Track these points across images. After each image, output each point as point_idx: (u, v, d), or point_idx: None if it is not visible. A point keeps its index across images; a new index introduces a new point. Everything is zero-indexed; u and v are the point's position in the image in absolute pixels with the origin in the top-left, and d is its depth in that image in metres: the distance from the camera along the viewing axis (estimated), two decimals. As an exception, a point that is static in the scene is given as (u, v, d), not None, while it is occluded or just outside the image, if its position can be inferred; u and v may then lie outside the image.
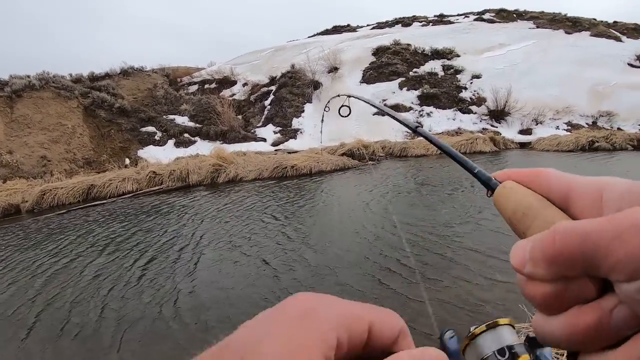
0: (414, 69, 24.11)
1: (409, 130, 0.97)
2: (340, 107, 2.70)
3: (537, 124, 18.58)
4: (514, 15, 33.03)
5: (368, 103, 1.70)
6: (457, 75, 23.20)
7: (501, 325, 0.42)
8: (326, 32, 39.62)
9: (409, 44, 26.44)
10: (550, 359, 0.40)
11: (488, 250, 5.03)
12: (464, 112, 20.23)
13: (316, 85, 23.67)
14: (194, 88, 26.28)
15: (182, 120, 21.19)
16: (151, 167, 12.88)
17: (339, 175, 12.01)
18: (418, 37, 28.00)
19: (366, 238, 6.02)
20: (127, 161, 17.30)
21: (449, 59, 24.95)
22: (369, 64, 24.97)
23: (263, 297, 4.39)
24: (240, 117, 22.31)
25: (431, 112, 20.14)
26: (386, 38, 28.33)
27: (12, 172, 14.77)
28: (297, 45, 31.51)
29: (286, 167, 12.39)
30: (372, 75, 23.84)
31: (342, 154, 14.03)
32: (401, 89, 22.38)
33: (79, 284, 5.17)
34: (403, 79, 23.14)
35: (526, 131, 18.27)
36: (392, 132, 17.77)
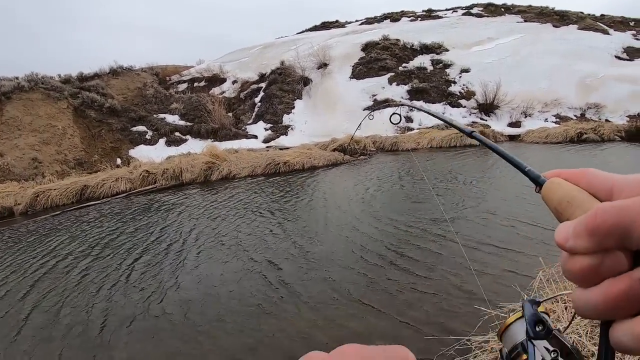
0: (403, 64, 24.26)
1: (463, 134, 1.07)
2: (391, 115, 2.80)
3: (526, 117, 18.82)
4: (502, 9, 33.25)
5: (421, 110, 1.79)
6: (446, 70, 23.39)
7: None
8: (315, 29, 39.55)
9: (397, 39, 26.55)
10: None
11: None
12: (453, 106, 20.42)
13: (306, 81, 23.72)
14: (183, 86, 26.16)
15: (173, 119, 21.13)
16: (144, 166, 12.86)
17: (332, 171, 12.13)
18: (407, 32, 28.11)
19: (364, 232, 6.13)
20: (119, 161, 17.26)
21: (437, 54, 25.11)
22: (358, 60, 25.04)
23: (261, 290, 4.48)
24: (230, 114, 22.30)
25: (421, 106, 20.22)
26: (375, 33, 28.39)
27: (3, 175, 14.67)
28: (286, 41, 31.45)
29: (279, 164, 12.47)
30: (361, 70, 23.92)
31: (334, 150, 14.11)
32: (391, 84, 22.50)
33: (74, 283, 5.23)
34: (392, 74, 23.27)
35: (515, 124, 18.50)
36: (382, 127, 17.86)
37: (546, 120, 18.64)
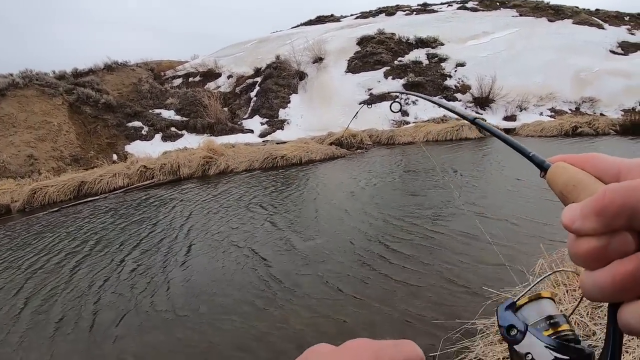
0: (399, 58, 24.25)
1: (465, 120, 1.04)
2: (391, 103, 2.78)
3: (521, 111, 18.91)
4: (497, 4, 33.21)
5: (421, 97, 1.78)
6: (442, 64, 23.41)
7: (543, 298, 0.53)
8: (310, 23, 39.43)
9: (393, 33, 26.52)
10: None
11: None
12: (449, 100, 20.44)
13: (302, 75, 23.69)
14: (178, 81, 26.06)
15: (169, 114, 21.09)
16: (142, 162, 12.84)
17: (329, 164, 12.17)
18: (402, 26, 28.07)
19: (365, 223, 6.18)
20: (115, 157, 17.21)
21: (433, 48, 25.11)
22: (354, 54, 25.01)
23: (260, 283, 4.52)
24: (226, 109, 22.27)
25: (417, 100, 20.31)
26: (370, 28, 28.33)
27: (-1, 172, 14.62)
28: (281, 36, 31.34)
29: (276, 158, 12.49)
30: (357, 64, 23.91)
31: (331, 143, 14.14)
32: (386, 78, 22.51)
33: (73, 278, 5.26)
34: (388, 67, 23.26)
35: (510, 117, 18.59)
36: (378, 121, 17.91)
37: (541, 114, 18.73)
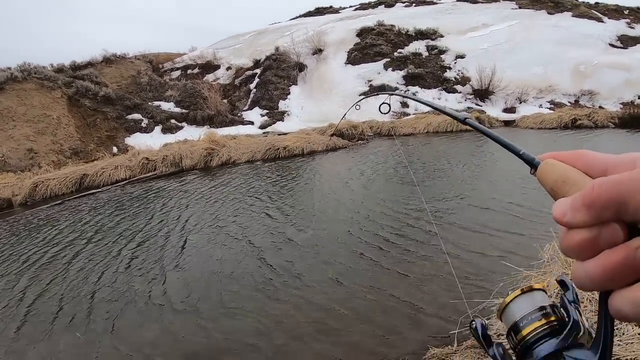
0: (399, 50, 24.23)
1: (457, 121, 1.06)
2: (380, 105, 2.80)
3: (520, 103, 18.97)
4: (496, -5, 33.12)
5: (412, 99, 1.80)
6: (442, 56, 23.44)
7: (535, 290, 0.56)
8: (309, 14, 39.28)
9: (392, 25, 26.46)
10: (573, 297, 0.55)
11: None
12: (448, 92, 20.52)
13: (301, 67, 23.69)
14: (177, 74, 25.94)
15: (168, 107, 21.04)
16: (143, 154, 12.81)
17: (331, 155, 12.21)
18: (401, 18, 28.02)
19: (366, 214, 6.23)
20: (115, 149, 17.20)
21: (432, 40, 25.10)
22: (354, 45, 24.98)
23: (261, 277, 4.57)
24: (226, 101, 22.25)
25: (416, 92, 20.35)
26: (370, 19, 28.26)
27: (-1, 166, 14.59)
28: (280, 27, 31.24)
29: (278, 149, 12.53)
30: (356, 56, 23.88)
31: (332, 135, 14.16)
32: (386, 70, 22.53)
33: (76, 270, 5.27)
34: (388, 59, 23.27)
35: (510, 109, 18.65)
36: (379, 113, 17.84)
37: (541, 106, 18.79)
